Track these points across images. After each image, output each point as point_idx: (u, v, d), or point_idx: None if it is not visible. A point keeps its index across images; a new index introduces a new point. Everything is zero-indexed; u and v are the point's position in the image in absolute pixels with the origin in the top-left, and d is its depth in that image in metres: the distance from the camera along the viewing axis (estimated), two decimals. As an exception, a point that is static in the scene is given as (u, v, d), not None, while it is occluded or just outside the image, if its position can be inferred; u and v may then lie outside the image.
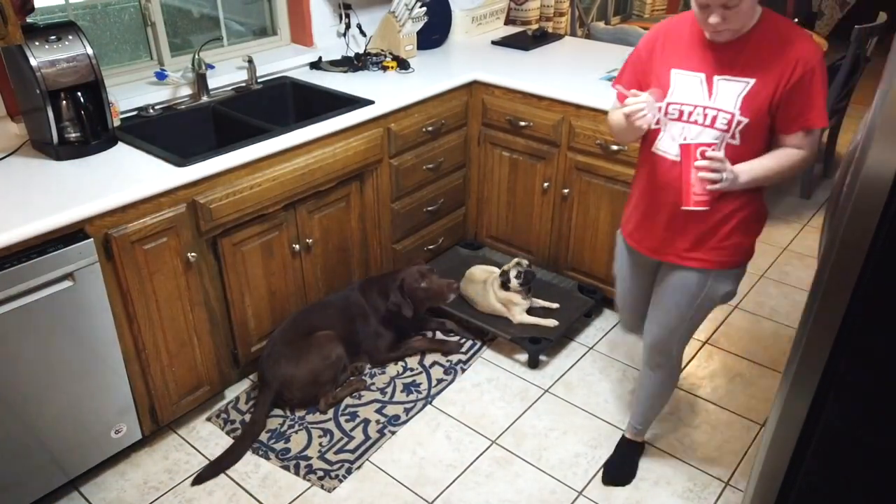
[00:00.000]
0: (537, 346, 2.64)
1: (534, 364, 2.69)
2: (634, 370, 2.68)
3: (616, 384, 2.62)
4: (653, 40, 1.76)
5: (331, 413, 2.45)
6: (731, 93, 1.63)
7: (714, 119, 1.64)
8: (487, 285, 2.80)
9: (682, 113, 1.67)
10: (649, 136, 1.78)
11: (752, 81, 1.61)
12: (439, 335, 2.85)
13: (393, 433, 2.39)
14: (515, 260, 2.80)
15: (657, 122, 1.70)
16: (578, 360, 2.74)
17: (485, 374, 2.66)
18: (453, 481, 2.22)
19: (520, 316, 2.76)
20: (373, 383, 2.58)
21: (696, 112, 1.66)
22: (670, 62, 1.70)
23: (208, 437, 2.37)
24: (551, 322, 2.75)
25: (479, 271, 2.90)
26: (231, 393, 2.54)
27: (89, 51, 2.09)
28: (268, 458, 2.28)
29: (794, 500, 1.57)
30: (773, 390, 2.59)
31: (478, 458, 2.30)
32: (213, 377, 2.38)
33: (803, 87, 1.59)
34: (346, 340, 2.52)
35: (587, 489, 2.19)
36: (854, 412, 1.41)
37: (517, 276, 2.71)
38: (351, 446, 2.33)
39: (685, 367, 2.71)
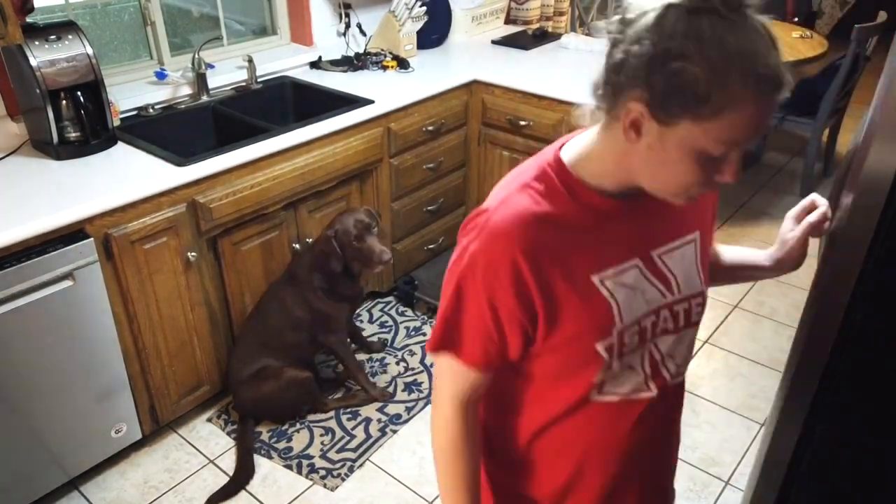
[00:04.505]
0: (537, 346, 2.64)
1: (534, 363, 2.69)
2: (634, 370, 2.68)
3: (616, 384, 2.62)
4: (520, 258, 0.91)
5: (332, 412, 2.45)
6: (686, 264, 1.03)
7: (688, 314, 1.05)
8: None
9: (644, 331, 1.00)
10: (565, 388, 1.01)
11: (697, 233, 1.05)
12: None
13: (394, 432, 2.39)
14: None
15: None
16: (578, 359, 2.74)
17: (485, 373, 2.66)
18: (453, 481, 2.21)
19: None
20: (374, 382, 2.58)
21: (662, 317, 1.01)
22: (581, 270, 0.94)
23: (208, 437, 2.37)
24: (551, 321, 2.74)
25: None
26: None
27: (89, 50, 2.09)
28: (270, 458, 2.28)
29: (793, 500, 1.57)
30: (773, 390, 2.59)
31: (478, 457, 2.30)
32: (213, 377, 2.38)
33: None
34: (312, 341, 2.38)
35: (587, 489, 2.19)
36: (854, 412, 1.41)
37: None
38: (352, 445, 2.33)
39: (685, 366, 2.71)
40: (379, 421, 2.42)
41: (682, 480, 2.22)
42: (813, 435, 1.47)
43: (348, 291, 2.39)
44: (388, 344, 2.80)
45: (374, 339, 2.80)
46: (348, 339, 2.56)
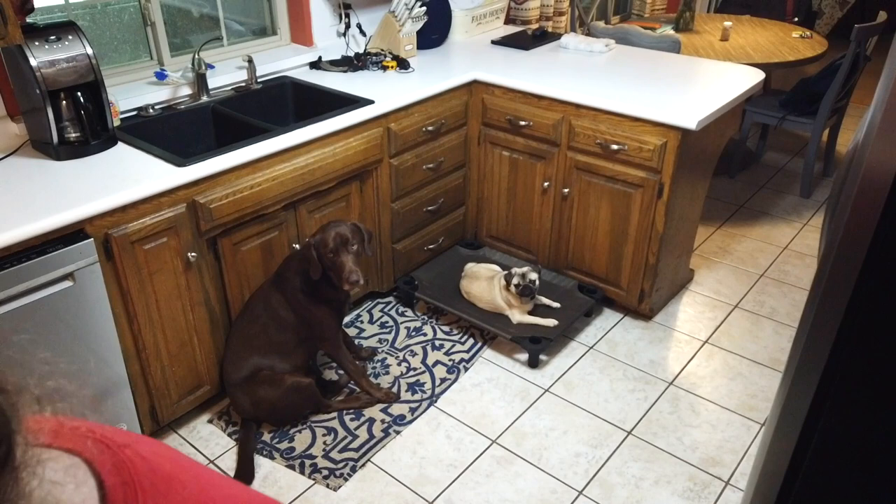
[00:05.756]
0: (537, 346, 2.64)
1: (534, 363, 2.70)
2: (634, 370, 2.68)
3: (616, 383, 2.62)
4: None
5: (335, 413, 2.45)
6: None
7: None
8: (494, 281, 2.80)
9: None
10: None
11: None
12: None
13: (398, 433, 2.38)
14: (526, 269, 2.74)
15: None
16: (578, 359, 2.74)
17: (485, 373, 2.66)
18: (453, 481, 2.22)
19: (519, 316, 2.76)
20: (378, 383, 2.58)
21: None
22: None
23: (209, 437, 2.37)
24: (551, 321, 2.75)
25: (482, 269, 2.91)
26: (231, 393, 2.54)
27: (89, 50, 2.09)
28: (272, 458, 2.28)
29: (794, 500, 1.57)
30: (773, 390, 2.60)
31: (478, 457, 2.30)
32: (214, 377, 2.38)
33: None
34: (299, 343, 2.35)
35: (587, 489, 2.19)
36: (854, 412, 1.41)
37: (516, 286, 2.72)
38: (355, 445, 2.33)
39: (685, 366, 2.71)
40: (382, 421, 2.42)
41: (682, 480, 2.22)
42: (813, 435, 1.47)
43: (331, 295, 2.34)
44: (390, 344, 2.80)
45: (374, 339, 2.80)
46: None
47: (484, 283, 2.83)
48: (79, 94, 2.09)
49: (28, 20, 2.04)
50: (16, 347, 0.53)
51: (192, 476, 0.63)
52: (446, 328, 2.90)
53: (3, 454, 0.45)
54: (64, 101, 2.09)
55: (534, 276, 2.73)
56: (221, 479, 0.67)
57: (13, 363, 0.51)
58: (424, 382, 2.60)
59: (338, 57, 3.05)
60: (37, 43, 2.00)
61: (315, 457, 2.28)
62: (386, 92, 2.68)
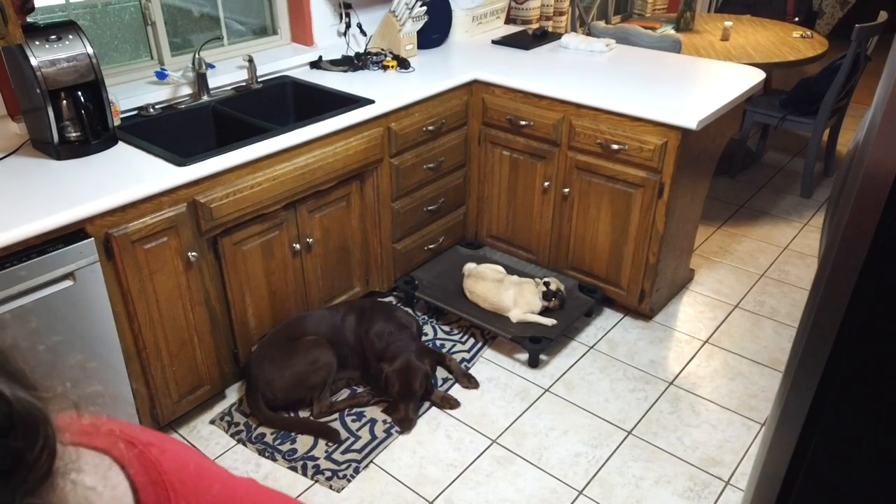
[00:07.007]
0: (538, 346, 2.65)
1: (534, 363, 2.70)
2: (635, 369, 2.68)
3: (616, 383, 2.62)
4: None
5: (337, 413, 2.45)
6: None
7: None
8: (525, 289, 2.79)
9: None
10: None
11: None
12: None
13: (400, 433, 2.38)
14: (557, 282, 2.80)
15: None
16: (579, 359, 2.74)
17: (485, 373, 2.67)
18: (454, 481, 2.22)
19: (520, 315, 2.76)
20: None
21: None
22: None
23: (209, 437, 2.37)
24: (551, 321, 2.75)
25: (487, 269, 2.90)
26: (231, 392, 2.54)
27: (89, 50, 2.09)
28: (274, 460, 2.28)
29: (794, 500, 1.57)
30: (773, 390, 2.60)
31: (478, 457, 2.30)
32: (214, 377, 2.38)
33: None
34: (336, 352, 2.47)
35: (588, 488, 2.19)
36: (854, 412, 1.41)
37: (555, 295, 2.77)
38: (357, 446, 2.33)
39: (685, 365, 2.71)
40: (384, 422, 2.42)
41: (682, 480, 2.22)
42: (813, 434, 1.47)
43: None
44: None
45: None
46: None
47: (490, 284, 2.82)
48: (79, 93, 2.10)
49: (28, 20, 2.04)
50: (50, 350, 0.52)
51: (214, 475, 0.64)
52: (447, 328, 2.90)
53: (46, 462, 0.45)
54: (64, 101, 2.10)
55: (562, 286, 2.81)
56: (240, 479, 0.68)
57: (46, 365, 0.51)
58: (424, 382, 2.60)
59: (338, 57, 3.05)
60: (37, 42, 2.00)
61: (317, 458, 2.28)
62: (386, 92, 2.68)
